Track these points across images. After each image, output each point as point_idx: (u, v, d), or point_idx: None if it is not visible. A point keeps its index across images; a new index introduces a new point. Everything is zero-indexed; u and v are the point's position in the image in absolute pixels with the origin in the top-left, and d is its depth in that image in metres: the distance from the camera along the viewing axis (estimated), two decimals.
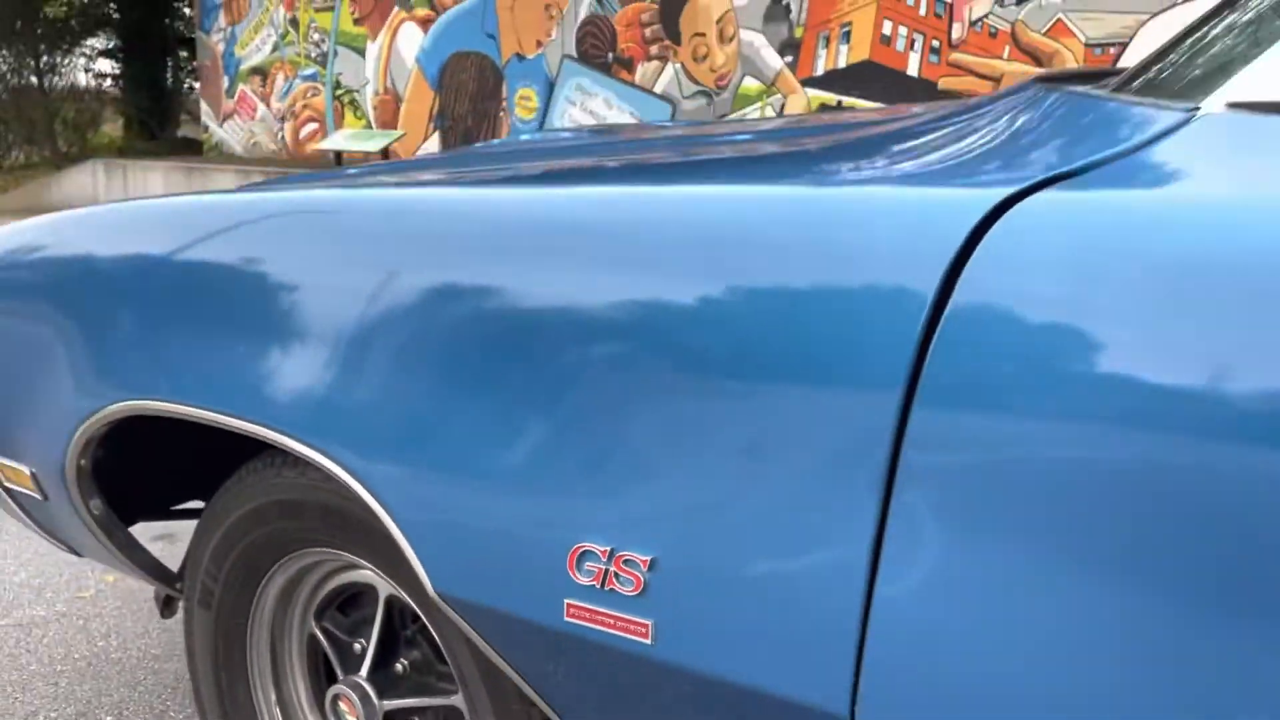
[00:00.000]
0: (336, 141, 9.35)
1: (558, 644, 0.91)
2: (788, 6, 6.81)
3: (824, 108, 6.71)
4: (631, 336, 0.85)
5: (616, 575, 0.84)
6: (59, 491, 1.40)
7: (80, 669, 2.00)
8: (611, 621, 0.85)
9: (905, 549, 0.72)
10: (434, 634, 1.14)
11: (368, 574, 1.25)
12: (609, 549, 0.85)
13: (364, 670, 1.26)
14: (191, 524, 1.59)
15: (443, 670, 1.22)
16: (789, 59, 6.85)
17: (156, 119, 13.32)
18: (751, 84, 7.04)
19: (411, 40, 9.16)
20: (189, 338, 1.16)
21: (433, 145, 9.11)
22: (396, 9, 9.24)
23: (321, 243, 1.10)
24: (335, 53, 9.89)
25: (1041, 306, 0.67)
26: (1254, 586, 0.61)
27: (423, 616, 1.15)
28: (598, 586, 0.85)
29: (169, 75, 13.81)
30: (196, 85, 12.69)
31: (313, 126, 10.25)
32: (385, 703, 1.24)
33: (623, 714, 0.93)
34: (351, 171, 1.72)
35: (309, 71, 10.21)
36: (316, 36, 10.06)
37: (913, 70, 6.32)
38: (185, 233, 1.22)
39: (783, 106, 6.90)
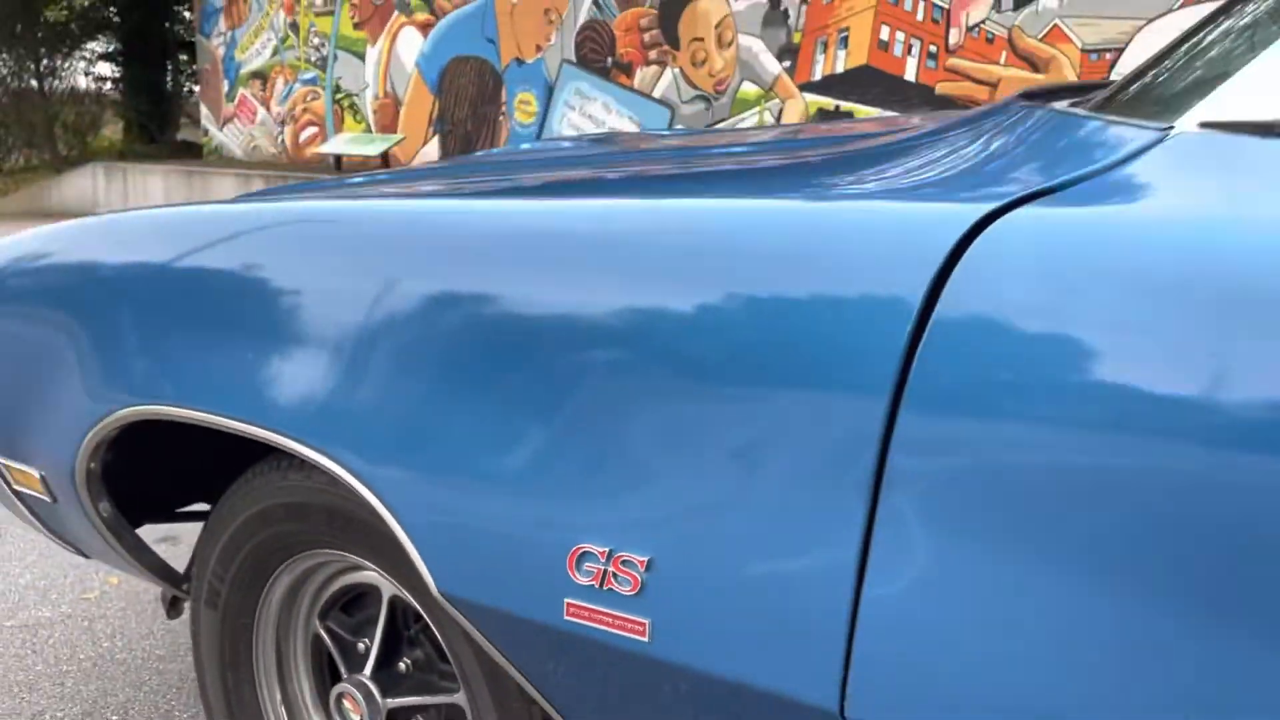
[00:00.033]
0: (336, 145, 9.39)
1: (558, 643, 0.93)
2: (786, 12, 6.84)
3: (822, 113, 6.75)
4: (628, 345, 0.88)
5: (615, 575, 0.87)
6: (68, 494, 1.43)
7: (86, 669, 2.03)
8: (610, 620, 0.88)
9: (892, 550, 0.75)
10: (436, 633, 1.17)
11: (371, 575, 1.28)
12: (607, 550, 0.87)
13: (368, 669, 1.29)
14: (194, 526, 1.63)
15: (445, 669, 1.25)
16: (787, 64, 6.88)
17: (156, 122, 13.35)
18: (750, 89, 7.07)
19: (411, 44, 9.19)
20: (202, 344, 1.19)
21: (432, 149, 9.14)
22: (396, 13, 9.27)
23: (326, 252, 1.13)
24: (335, 57, 9.92)
25: (1021, 316, 0.69)
26: (1226, 585, 0.63)
27: (425, 616, 1.18)
28: (596, 586, 0.88)
29: (169, 79, 13.84)
30: (196, 89, 12.72)
31: (312, 130, 10.28)
32: (389, 701, 1.27)
33: (621, 710, 0.96)
34: (355, 180, 1.75)
35: (309, 75, 10.24)
36: (316, 41, 10.10)
37: (910, 75, 6.36)
38: (194, 242, 1.25)
39: (781, 111, 6.93)
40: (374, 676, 1.29)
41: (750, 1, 6.99)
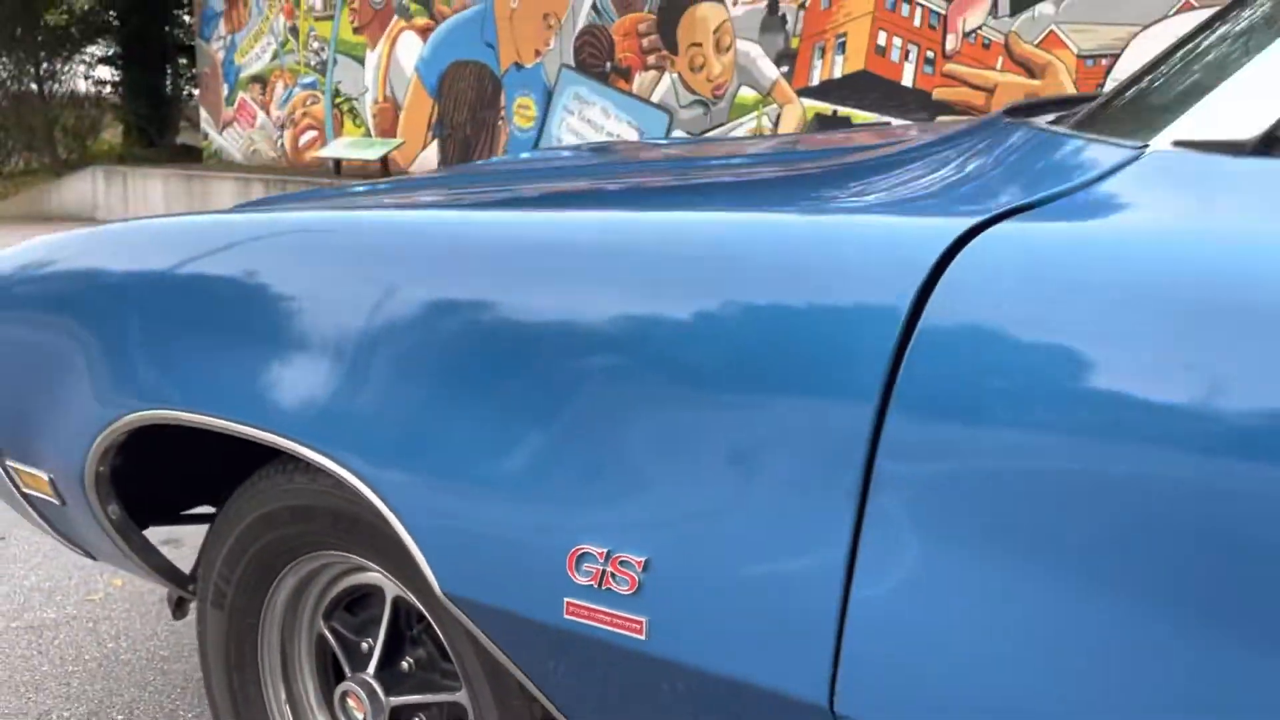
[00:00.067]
0: (336, 149, 9.41)
1: (558, 641, 0.96)
2: (784, 17, 6.88)
3: (819, 118, 6.78)
4: (625, 353, 0.91)
5: (613, 575, 0.90)
6: (77, 497, 1.45)
7: (91, 670, 2.05)
8: (608, 619, 0.91)
9: (880, 551, 0.78)
10: (439, 633, 1.20)
11: (375, 576, 1.31)
12: (606, 551, 0.90)
13: (371, 668, 1.32)
14: (197, 529, 1.66)
15: (447, 668, 1.28)
16: (785, 69, 6.92)
17: (156, 126, 13.38)
18: (748, 94, 7.11)
19: (411, 49, 9.23)
20: (214, 351, 1.22)
21: (431, 153, 9.17)
22: (396, 18, 9.31)
23: (332, 262, 1.16)
24: (335, 61, 9.95)
25: (1002, 325, 0.73)
26: (1206, 585, 0.66)
27: (428, 616, 1.21)
28: (595, 586, 0.91)
29: (168, 83, 13.87)
30: (196, 93, 12.74)
31: (312, 134, 10.31)
32: (392, 699, 1.30)
33: (620, 707, 0.99)
34: (357, 189, 1.78)
35: (308, 79, 10.27)
36: (316, 45, 10.13)
37: (907, 81, 6.39)
38: (203, 251, 1.28)
39: (779, 116, 6.97)
40: (377, 675, 1.31)
41: (748, 7, 7.02)
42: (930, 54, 6.28)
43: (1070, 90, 5.84)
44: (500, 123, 8.59)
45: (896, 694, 0.78)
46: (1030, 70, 5.95)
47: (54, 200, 11.23)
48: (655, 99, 7.59)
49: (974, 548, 0.74)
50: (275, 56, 10.56)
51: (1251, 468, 0.63)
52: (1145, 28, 5.47)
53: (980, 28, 6.09)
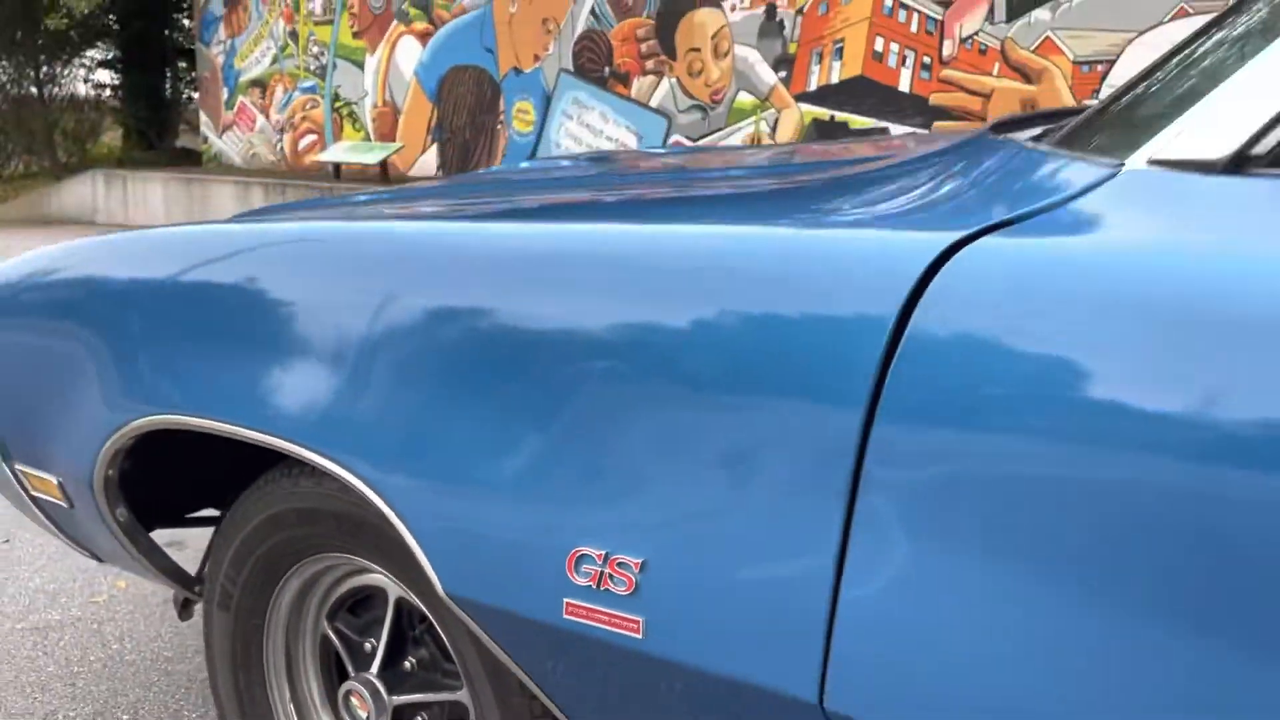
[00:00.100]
0: (335, 153, 9.44)
1: (558, 641, 0.99)
2: (781, 23, 6.92)
3: (817, 123, 6.82)
4: (624, 362, 0.94)
5: (611, 577, 0.93)
6: (85, 500, 1.48)
7: (96, 670, 2.08)
8: (606, 619, 0.94)
9: (868, 553, 0.81)
10: (441, 633, 1.23)
11: (378, 577, 1.34)
12: (604, 553, 0.94)
13: (374, 668, 1.35)
14: (200, 531, 1.69)
15: (448, 668, 1.31)
16: (783, 74, 6.96)
17: (155, 129, 13.41)
18: (746, 99, 7.15)
19: (410, 53, 9.26)
20: (225, 358, 1.25)
21: (431, 157, 9.20)
22: (395, 22, 9.34)
23: (343, 273, 1.19)
24: (334, 65, 9.99)
25: (984, 335, 0.76)
26: (1187, 585, 0.69)
27: (430, 617, 1.24)
28: (594, 587, 0.94)
29: (168, 86, 13.90)
30: (195, 96, 12.77)
31: (311, 138, 10.34)
32: (394, 698, 1.33)
33: (619, 704, 1.02)
34: (360, 199, 1.81)
35: (308, 84, 10.31)
36: (316, 49, 10.16)
37: (904, 86, 6.43)
38: (214, 260, 1.31)
39: (776, 121, 7.00)
40: (380, 675, 1.34)
41: (746, 12, 7.06)
42: (927, 59, 6.33)
43: (1066, 95, 5.89)
44: (499, 127, 8.62)
45: (883, 690, 0.81)
46: (1026, 76, 5.99)
47: (54, 204, 11.26)
48: (654, 104, 7.63)
49: (958, 550, 0.77)
50: (275, 61, 10.60)
51: (1225, 472, 0.67)
52: (1140, 33, 5.51)
53: (977, 33, 6.13)
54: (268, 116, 10.78)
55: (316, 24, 10.09)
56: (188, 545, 2.44)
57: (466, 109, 8.86)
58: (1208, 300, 0.69)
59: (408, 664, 1.34)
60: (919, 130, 6.32)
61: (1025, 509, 0.74)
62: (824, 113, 6.78)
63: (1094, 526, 0.72)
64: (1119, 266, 0.73)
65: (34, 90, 12.72)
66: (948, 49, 6.25)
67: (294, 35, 10.34)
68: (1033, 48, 5.94)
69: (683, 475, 0.90)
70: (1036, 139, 0.98)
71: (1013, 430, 0.74)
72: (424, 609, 1.24)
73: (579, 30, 7.98)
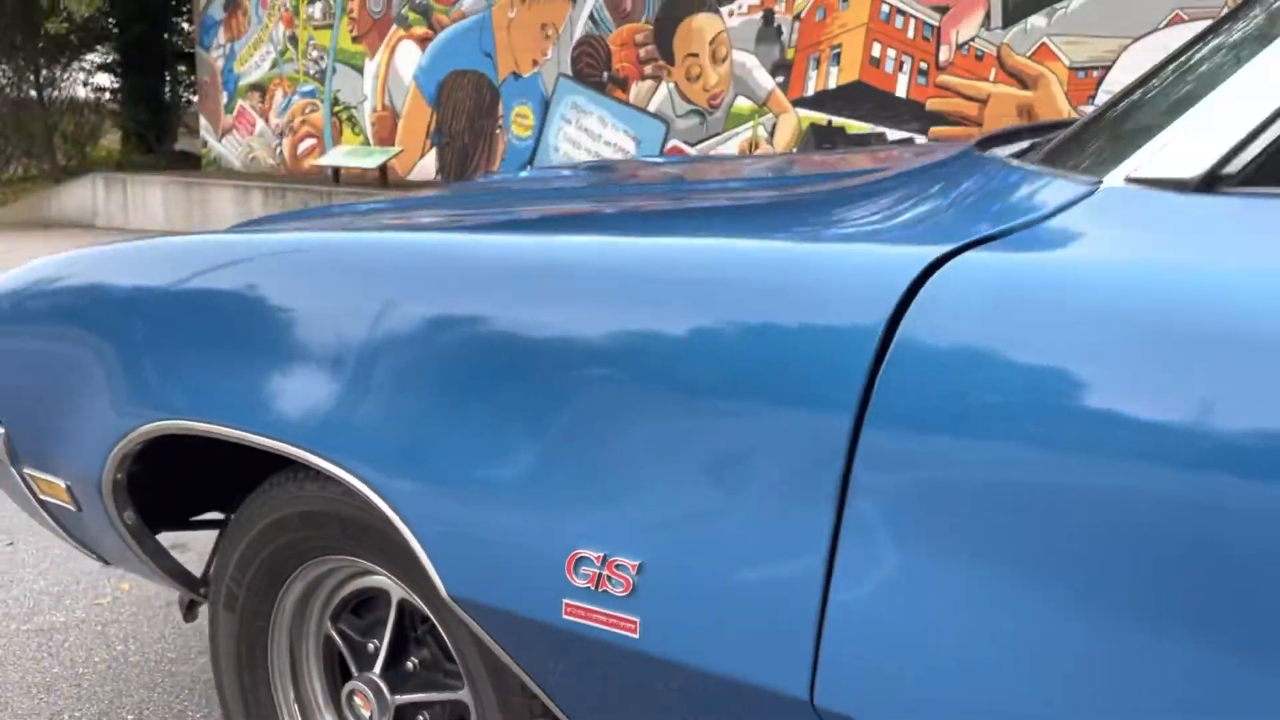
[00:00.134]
0: (334, 157, 9.47)
1: (558, 641, 1.02)
2: (779, 28, 6.95)
3: (814, 128, 6.85)
4: (622, 370, 0.98)
5: (609, 578, 0.96)
6: (93, 503, 1.51)
7: (100, 672, 2.11)
8: (604, 619, 0.97)
9: (856, 556, 0.84)
10: (443, 634, 1.26)
11: (381, 579, 1.37)
12: (602, 555, 0.97)
13: (377, 668, 1.38)
14: (204, 534, 1.71)
15: (450, 668, 1.33)
16: (780, 79, 6.99)
17: (155, 133, 13.44)
18: (744, 104, 7.18)
19: (409, 58, 9.29)
20: (233, 365, 1.28)
21: (429, 162, 9.23)
22: (395, 27, 9.37)
23: (343, 282, 1.22)
24: (334, 69, 10.02)
25: (968, 346, 0.79)
26: (1163, 590, 0.72)
27: (433, 618, 1.27)
28: (592, 588, 0.97)
29: (167, 90, 13.92)
30: (195, 100, 12.80)
31: (311, 142, 10.37)
32: (397, 698, 1.36)
33: (617, 704, 1.05)
34: (361, 208, 1.84)
35: (307, 88, 10.33)
36: (315, 53, 10.19)
37: (901, 92, 6.47)
38: (213, 267, 1.34)
39: (774, 126, 7.04)
40: (383, 675, 1.37)
41: (744, 18, 7.10)
42: (924, 65, 6.36)
43: (1062, 100, 5.92)
44: (498, 132, 8.65)
45: (870, 688, 0.84)
46: (1023, 81, 6.02)
47: (53, 207, 11.28)
48: (652, 108, 7.66)
49: (943, 553, 0.80)
50: (274, 65, 10.62)
51: (1202, 477, 0.70)
52: (1136, 39, 5.55)
53: (973, 39, 6.17)
54: (267, 120, 10.80)
55: (316, 28, 10.12)
56: (190, 548, 2.46)
57: (465, 113, 8.89)
58: (1179, 314, 0.72)
59: (410, 664, 1.37)
60: (916, 136, 6.36)
61: (1008, 513, 0.77)
62: (821, 118, 6.82)
63: (1076, 531, 0.75)
64: (1094, 281, 0.76)
65: (34, 93, 12.75)
66: (944, 54, 6.28)
67: (293, 39, 10.37)
68: (1029, 53, 5.98)
69: (678, 480, 0.93)
70: (1020, 155, 1.01)
71: (995, 435, 0.78)
72: (426, 610, 1.27)
73: (577, 35, 8.01)
